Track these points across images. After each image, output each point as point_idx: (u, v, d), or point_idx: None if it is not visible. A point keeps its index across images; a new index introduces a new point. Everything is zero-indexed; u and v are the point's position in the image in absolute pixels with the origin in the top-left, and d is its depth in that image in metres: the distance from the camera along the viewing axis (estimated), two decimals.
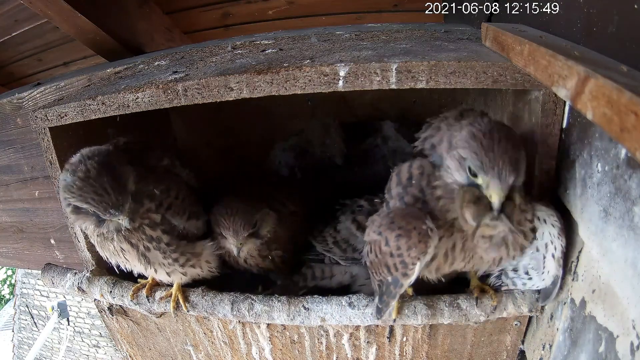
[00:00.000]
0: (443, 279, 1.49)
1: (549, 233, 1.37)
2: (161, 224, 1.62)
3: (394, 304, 1.43)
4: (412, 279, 1.30)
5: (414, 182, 1.32)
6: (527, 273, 1.51)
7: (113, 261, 1.70)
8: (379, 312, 1.46)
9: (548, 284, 1.46)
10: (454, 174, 1.21)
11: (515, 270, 1.53)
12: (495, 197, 1.14)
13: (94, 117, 1.59)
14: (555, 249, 1.36)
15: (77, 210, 1.46)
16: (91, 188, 1.40)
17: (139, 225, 1.57)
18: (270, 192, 2.05)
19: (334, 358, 1.84)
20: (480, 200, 1.19)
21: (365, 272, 1.78)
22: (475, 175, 1.17)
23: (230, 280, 1.96)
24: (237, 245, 1.76)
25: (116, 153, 1.54)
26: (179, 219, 1.69)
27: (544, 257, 1.41)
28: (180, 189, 1.73)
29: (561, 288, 1.44)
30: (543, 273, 1.45)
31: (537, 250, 1.42)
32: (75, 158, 1.47)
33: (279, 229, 1.90)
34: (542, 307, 1.55)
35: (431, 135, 1.39)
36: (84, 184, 1.40)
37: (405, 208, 1.31)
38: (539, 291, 1.53)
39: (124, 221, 1.47)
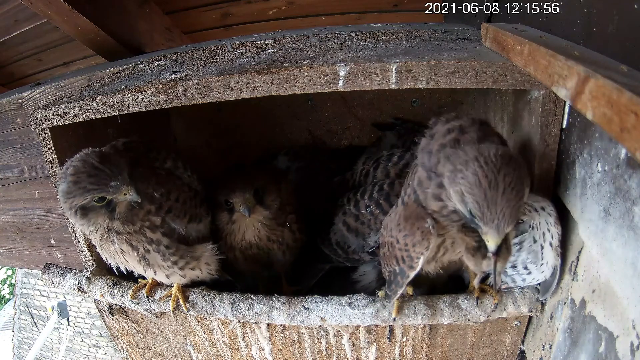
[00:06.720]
0: (441, 271, 1.57)
1: (545, 222, 1.38)
2: (161, 227, 1.63)
3: (400, 292, 1.51)
4: (417, 270, 1.42)
5: (409, 183, 1.44)
6: (525, 268, 1.51)
7: (113, 262, 1.70)
8: (388, 297, 1.59)
9: (547, 276, 1.47)
10: (456, 204, 1.25)
11: (513, 266, 1.54)
12: (492, 243, 1.22)
13: (94, 117, 1.59)
14: (553, 237, 1.37)
15: (84, 211, 1.47)
16: (84, 176, 1.42)
17: (140, 227, 1.58)
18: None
19: (334, 358, 1.84)
20: (480, 249, 1.34)
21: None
22: (475, 217, 1.21)
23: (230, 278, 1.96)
24: (245, 204, 1.78)
25: (107, 152, 1.54)
26: (179, 222, 1.68)
27: (542, 247, 1.43)
28: (181, 192, 1.73)
29: (559, 285, 1.44)
30: (542, 265, 1.45)
31: (535, 241, 1.44)
32: (60, 169, 1.50)
33: (286, 194, 1.95)
34: (542, 307, 1.55)
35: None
36: (76, 178, 1.42)
37: (407, 208, 1.42)
38: (538, 290, 1.54)
39: (130, 192, 1.47)
